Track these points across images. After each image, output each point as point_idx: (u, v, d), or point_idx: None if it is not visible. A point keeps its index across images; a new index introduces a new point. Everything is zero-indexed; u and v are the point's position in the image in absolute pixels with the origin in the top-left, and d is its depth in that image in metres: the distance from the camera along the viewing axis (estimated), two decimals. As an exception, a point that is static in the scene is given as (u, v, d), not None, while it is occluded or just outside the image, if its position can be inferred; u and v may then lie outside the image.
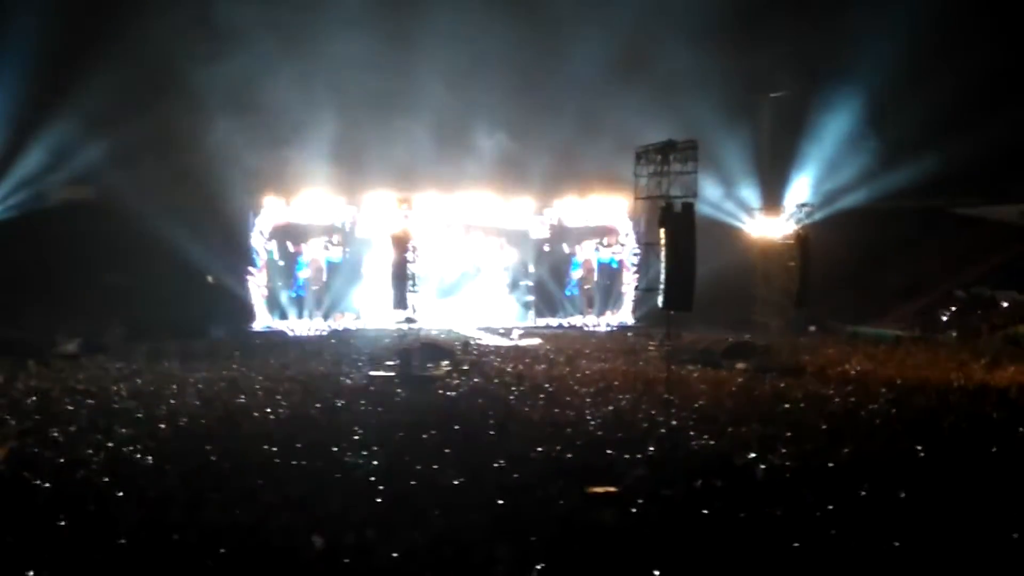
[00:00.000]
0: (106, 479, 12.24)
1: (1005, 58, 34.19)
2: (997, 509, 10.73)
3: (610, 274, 37.83)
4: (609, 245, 37.73)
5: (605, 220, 37.45)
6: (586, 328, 36.52)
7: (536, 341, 31.55)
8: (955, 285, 33.69)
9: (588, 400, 19.26)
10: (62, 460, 13.29)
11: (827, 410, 18.02)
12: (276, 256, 34.29)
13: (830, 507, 10.87)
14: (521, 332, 33.72)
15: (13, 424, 16.26)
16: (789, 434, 15.29)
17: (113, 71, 30.92)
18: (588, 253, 37.82)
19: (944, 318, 32.09)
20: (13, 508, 10.85)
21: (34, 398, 18.89)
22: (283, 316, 34.24)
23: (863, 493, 11.37)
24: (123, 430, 15.55)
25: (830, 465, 13.09)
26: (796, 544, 9.71)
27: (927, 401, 18.87)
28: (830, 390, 20.44)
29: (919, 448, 13.78)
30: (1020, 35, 34.06)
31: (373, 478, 12.39)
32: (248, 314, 33.58)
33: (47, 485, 11.86)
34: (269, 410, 17.80)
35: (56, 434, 15.24)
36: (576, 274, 37.85)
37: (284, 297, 34.38)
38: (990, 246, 35.08)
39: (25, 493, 11.60)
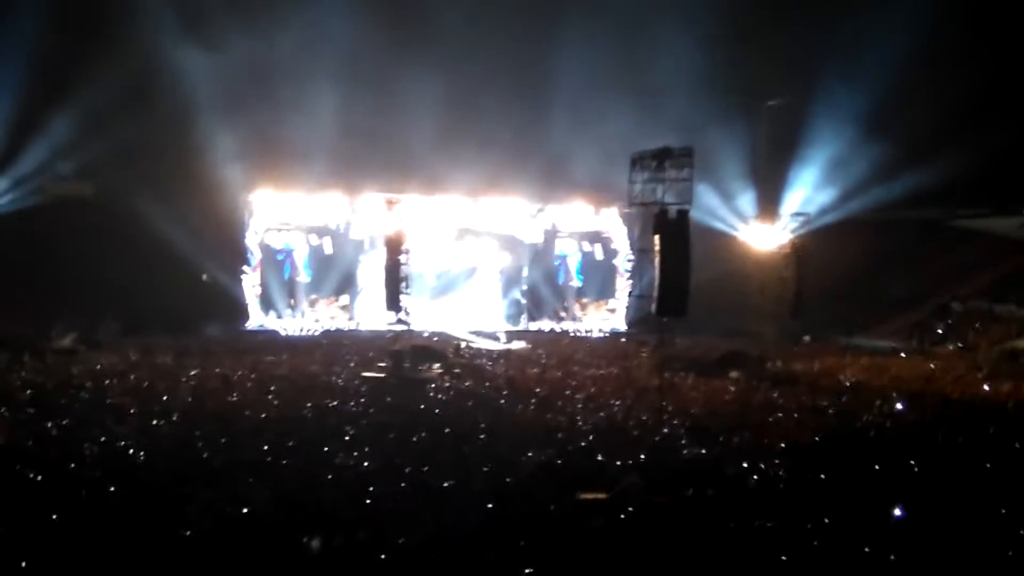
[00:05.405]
0: (99, 474, 12.23)
1: (1006, 68, 34.21)
2: (992, 524, 10.74)
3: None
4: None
5: (599, 225, 37.49)
6: (579, 333, 36.51)
7: (524, 345, 31.49)
8: (953, 298, 33.64)
9: (580, 406, 19.24)
10: (56, 454, 13.28)
11: (821, 421, 18.00)
12: (270, 255, 34.28)
13: (822, 519, 10.87)
14: (508, 335, 33.66)
15: (7, 417, 16.24)
16: (782, 444, 15.30)
17: (112, 68, 30.92)
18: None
19: (941, 331, 32.06)
20: (6, 501, 10.83)
21: (29, 392, 18.86)
22: (277, 315, 34.24)
23: (856, 504, 11.37)
24: (117, 425, 15.57)
25: (822, 476, 13.09)
26: (786, 556, 9.71)
27: (922, 414, 18.84)
28: (824, 401, 20.39)
29: (912, 462, 13.77)
30: (1019, 45, 34.06)
31: (363, 478, 12.39)
32: (242, 312, 33.57)
33: (40, 479, 11.84)
34: (261, 408, 17.79)
35: (50, 428, 15.24)
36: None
37: (277, 296, 34.37)
38: (989, 259, 34.93)
39: (18, 487, 11.59)
